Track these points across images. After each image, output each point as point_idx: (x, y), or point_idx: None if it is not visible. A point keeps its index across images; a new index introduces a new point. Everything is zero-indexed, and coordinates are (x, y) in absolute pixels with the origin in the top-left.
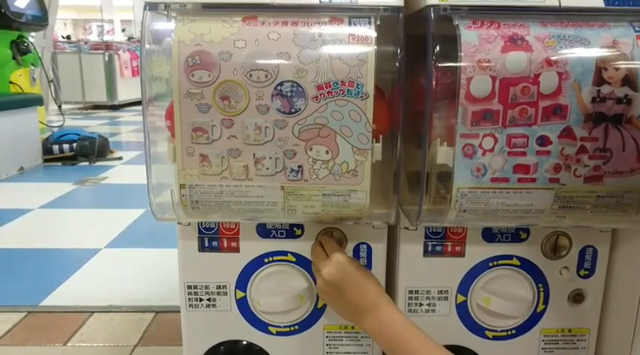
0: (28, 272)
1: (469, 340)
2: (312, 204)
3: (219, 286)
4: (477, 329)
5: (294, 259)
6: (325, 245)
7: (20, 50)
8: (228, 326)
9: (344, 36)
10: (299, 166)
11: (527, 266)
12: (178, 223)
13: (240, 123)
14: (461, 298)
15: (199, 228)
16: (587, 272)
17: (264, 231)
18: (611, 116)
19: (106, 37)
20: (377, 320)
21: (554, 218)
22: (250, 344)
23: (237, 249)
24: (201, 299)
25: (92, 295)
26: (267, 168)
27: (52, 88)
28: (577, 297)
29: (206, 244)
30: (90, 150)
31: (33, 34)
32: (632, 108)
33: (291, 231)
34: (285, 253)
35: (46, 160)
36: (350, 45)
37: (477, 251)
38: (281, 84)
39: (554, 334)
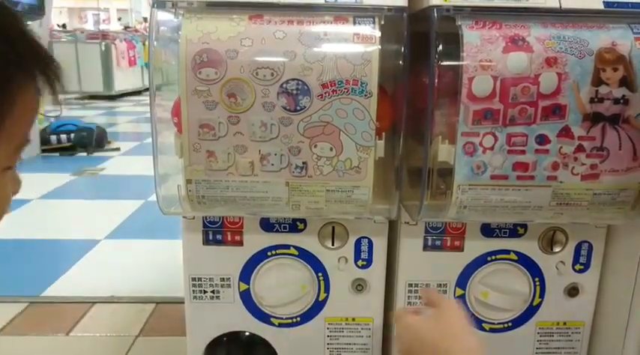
0: (29, 263)
1: None
2: (316, 199)
3: (223, 279)
4: (475, 322)
5: (296, 252)
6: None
7: None
8: (232, 317)
9: (349, 35)
10: (303, 163)
11: (525, 261)
12: (183, 217)
13: (247, 120)
14: (459, 291)
15: (204, 222)
16: (582, 267)
17: (267, 225)
18: (608, 116)
19: (102, 26)
20: None
21: (551, 214)
22: (253, 335)
23: (240, 243)
24: (205, 292)
25: (93, 286)
26: (273, 165)
27: None
28: (572, 291)
29: (210, 237)
30: (88, 141)
31: (29, 23)
32: (629, 108)
33: (294, 225)
34: (288, 246)
35: (43, 151)
36: (355, 44)
37: (476, 245)
38: (287, 82)
39: (549, 327)
